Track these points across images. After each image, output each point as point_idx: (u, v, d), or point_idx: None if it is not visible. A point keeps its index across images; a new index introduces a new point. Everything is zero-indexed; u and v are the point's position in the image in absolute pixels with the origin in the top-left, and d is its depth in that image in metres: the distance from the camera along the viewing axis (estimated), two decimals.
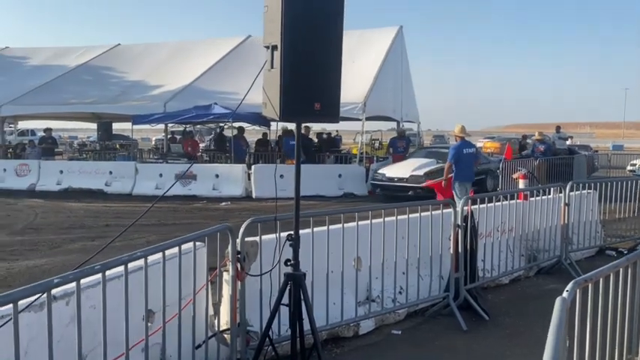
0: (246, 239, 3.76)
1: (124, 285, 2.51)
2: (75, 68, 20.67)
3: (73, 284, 2.21)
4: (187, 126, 20.21)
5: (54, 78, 19.66)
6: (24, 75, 20.65)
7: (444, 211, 5.10)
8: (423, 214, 4.95)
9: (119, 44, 22.81)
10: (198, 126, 23.27)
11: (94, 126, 27.99)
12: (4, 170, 15.65)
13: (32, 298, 2.13)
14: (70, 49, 23.18)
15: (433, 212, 5.02)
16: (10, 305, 1.87)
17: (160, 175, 14.42)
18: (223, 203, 12.75)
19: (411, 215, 4.87)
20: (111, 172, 14.88)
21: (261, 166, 14.51)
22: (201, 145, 23.63)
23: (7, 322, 1.90)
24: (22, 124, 33.05)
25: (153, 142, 30.91)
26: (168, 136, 19.71)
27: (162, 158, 18.08)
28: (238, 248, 3.58)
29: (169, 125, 18.63)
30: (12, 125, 30.35)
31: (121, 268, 2.57)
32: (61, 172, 15.32)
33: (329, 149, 18.36)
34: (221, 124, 16.42)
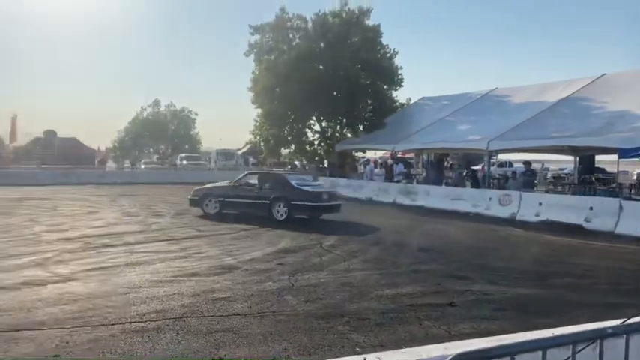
0: None
1: None
2: (556, 103, 21.02)
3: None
4: None
5: (535, 114, 20.57)
6: (508, 112, 22.52)
7: None
8: None
9: (604, 74, 21.78)
10: None
11: (565, 158, 27.78)
12: (490, 199, 17.41)
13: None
14: (551, 84, 23.78)
15: None
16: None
17: None
18: None
19: None
20: (591, 208, 14.24)
21: None
22: None
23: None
24: (501, 156, 36.14)
25: (634, 177, 27.85)
26: None
27: None
28: None
29: None
30: (494, 158, 33.65)
31: None
32: (540, 204, 15.77)
33: None
34: None
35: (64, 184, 28.91)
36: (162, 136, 58.67)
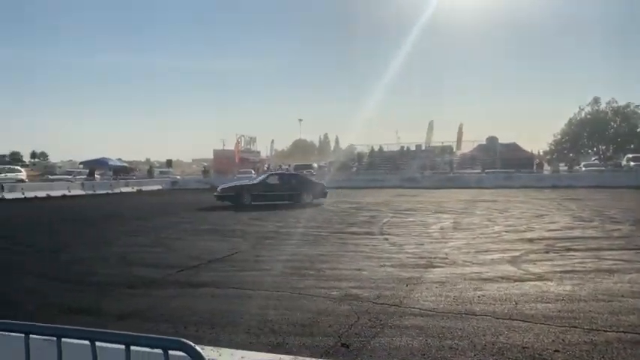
0: None
1: None
2: None
3: None
4: None
5: None
6: None
7: None
8: None
9: None
10: None
11: None
12: None
13: None
14: None
15: None
16: None
17: None
18: None
19: None
20: None
21: None
22: None
23: None
24: None
25: None
26: None
27: None
28: None
29: None
30: None
31: None
32: None
33: None
34: None
35: (505, 187, 30.57)
36: (602, 135, 54.13)
